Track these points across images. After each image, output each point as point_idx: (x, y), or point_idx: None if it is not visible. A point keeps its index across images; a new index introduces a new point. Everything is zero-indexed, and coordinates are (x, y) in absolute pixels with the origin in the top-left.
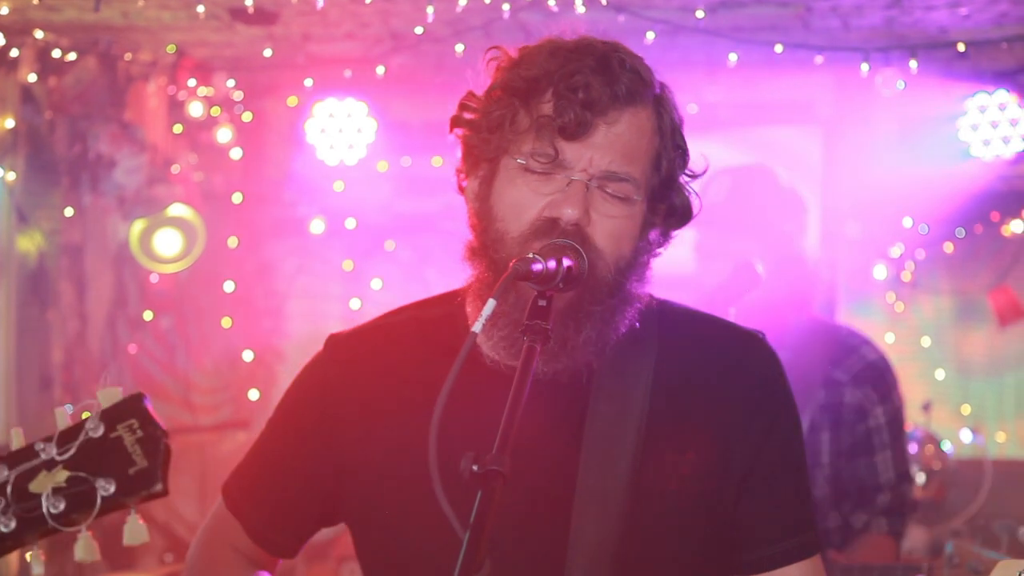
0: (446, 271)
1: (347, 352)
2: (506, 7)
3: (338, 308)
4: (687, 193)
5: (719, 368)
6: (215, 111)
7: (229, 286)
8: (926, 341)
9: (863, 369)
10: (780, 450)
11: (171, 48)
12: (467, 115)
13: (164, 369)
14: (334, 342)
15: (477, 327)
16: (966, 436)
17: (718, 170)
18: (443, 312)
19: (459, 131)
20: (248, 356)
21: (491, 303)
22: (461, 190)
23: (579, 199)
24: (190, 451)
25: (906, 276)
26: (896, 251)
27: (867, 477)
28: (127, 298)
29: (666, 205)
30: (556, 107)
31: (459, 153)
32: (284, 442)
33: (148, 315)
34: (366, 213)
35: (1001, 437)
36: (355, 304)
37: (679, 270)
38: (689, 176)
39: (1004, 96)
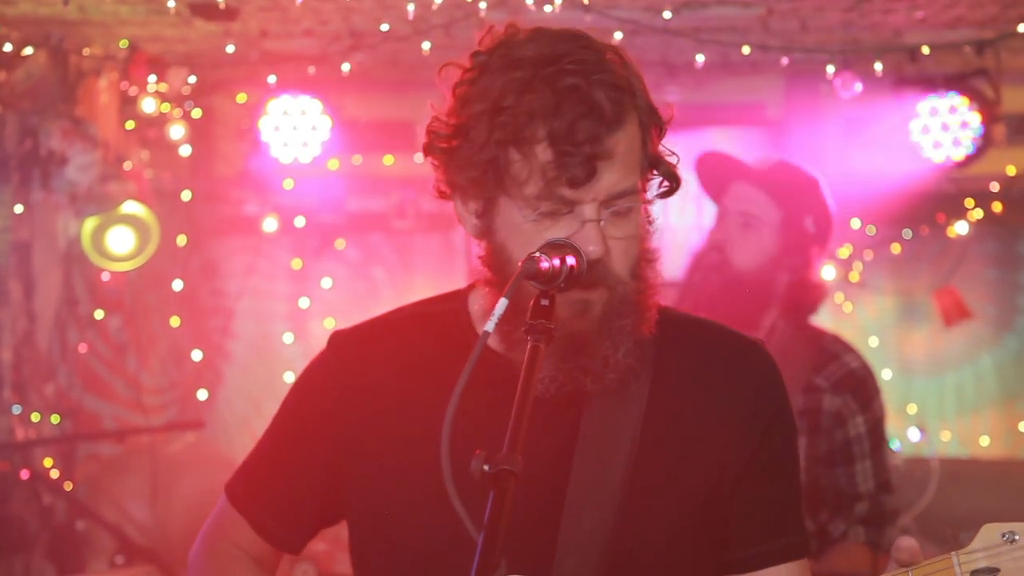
0: (393, 270)
1: (351, 349)
2: (483, 4)
3: (286, 307)
4: (670, 162)
5: (717, 375)
6: (165, 107)
7: (178, 285)
8: (873, 341)
9: (844, 376)
10: (774, 455)
11: (124, 43)
12: (442, 144)
13: (112, 369)
14: (337, 340)
15: (490, 326)
16: (914, 435)
17: None
18: (448, 308)
19: (435, 158)
20: (197, 356)
21: (503, 302)
22: (441, 195)
23: (597, 236)
24: (140, 452)
25: (854, 277)
26: (844, 252)
27: (846, 486)
28: (77, 297)
29: (656, 178)
30: (560, 162)
31: (435, 170)
32: (289, 440)
33: (99, 314)
34: (316, 211)
35: (946, 436)
36: (304, 303)
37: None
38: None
39: (955, 99)
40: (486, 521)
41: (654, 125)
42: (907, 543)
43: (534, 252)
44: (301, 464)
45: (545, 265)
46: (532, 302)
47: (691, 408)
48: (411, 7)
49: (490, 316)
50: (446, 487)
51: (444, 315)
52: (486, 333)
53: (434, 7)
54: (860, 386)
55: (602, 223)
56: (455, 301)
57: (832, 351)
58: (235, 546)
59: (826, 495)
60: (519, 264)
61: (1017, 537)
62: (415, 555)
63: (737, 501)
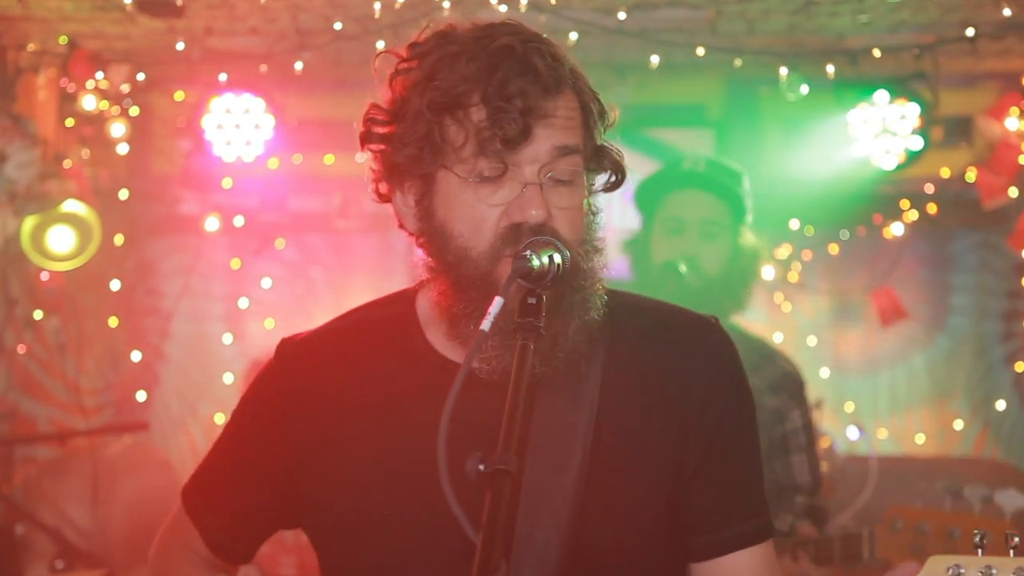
0: (331, 269)
1: (299, 358)
2: (446, 4)
3: (224, 307)
4: (615, 153)
5: (672, 355)
6: (104, 105)
7: (115, 285)
8: (812, 340)
9: (779, 377)
10: (734, 435)
11: (63, 39)
12: (380, 129)
13: (50, 371)
14: (285, 348)
15: (486, 325)
16: (852, 433)
17: None
18: (393, 312)
19: (372, 146)
20: (136, 356)
21: (499, 301)
22: (381, 198)
23: (539, 200)
24: (80, 455)
25: (793, 277)
26: (783, 252)
27: (784, 478)
28: (15, 297)
29: (601, 167)
30: (494, 120)
31: (374, 167)
32: (240, 450)
33: (38, 314)
34: (256, 211)
35: (882, 434)
36: (243, 303)
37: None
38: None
39: (894, 102)
40: (484, 522)
41: (596, 111)
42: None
43: (523, 251)
44: (252, 475)
45: (535, 263)
46: (519, 301)
47: (646, 391)
48: (377, 5)
49: (441, 317)
50: (405, 492)
51: (392, 319)
52: (483, 332)
53: (397, 5)
54: (796, 386)
55: (543, 188)
56: (402, 304)
57: (764, 353)
58: (191, 549)
59: (767, 491)
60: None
61: (963, 571)
62: (381, 561)
63: (699, 484)
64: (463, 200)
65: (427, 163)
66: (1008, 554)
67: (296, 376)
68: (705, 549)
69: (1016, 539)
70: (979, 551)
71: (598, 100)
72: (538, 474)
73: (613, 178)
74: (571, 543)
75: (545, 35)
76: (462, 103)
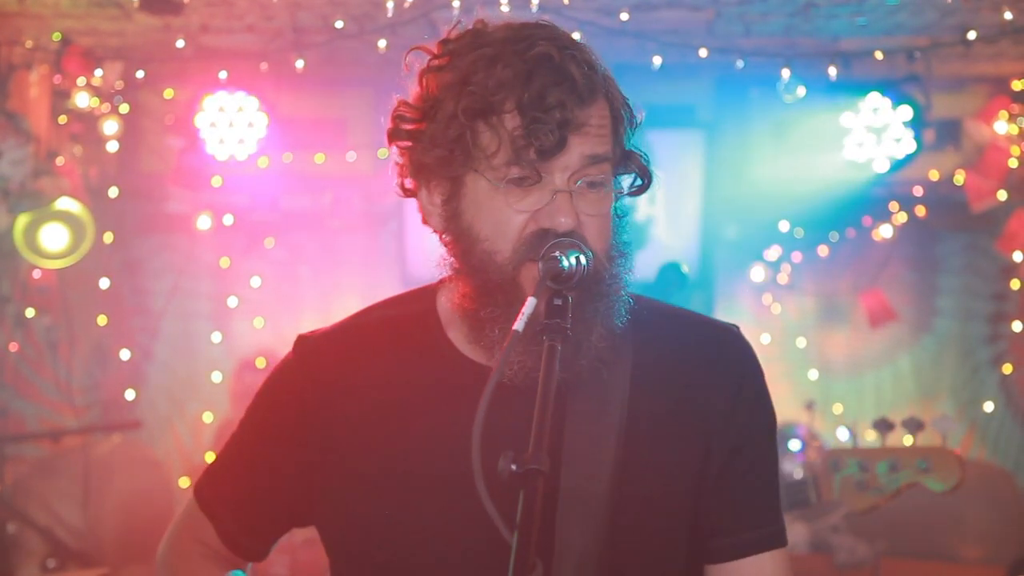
0: (319, 269)
1: (318, 354)
2: (456, 3)
3: (213, 306)
4: (643, 157)
5: (697, 363)
6: (95, 102)
7: (104, 283)
8: (801, 342)
9: None
10: (756, 442)
11: (56, 36)
12: (408, 127)
13: (40, 370)
14: (304, 344)
15: (519, 325)
16: (842, 435)
17: None
18: (414, 310)
19: (399, 143)
20: (125, 355)
21: (532, 301)
22: (406, 192)
23: (569, 208)
24: (71, 454)
25: (782, 278)
26: (773, 254)
27: None
28: (7, 295)
29: (629, 170)
30: (530, 130)
31: (400, 161)
32: (257, 445)
33: (30, 312)
34: (246, 210)
35: (870, 435)
36: (232, 302)
37: None
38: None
39: (884, 104)
40: (519, 521)
41: (627, 116)
42: None
43: (552, 252)
44: (269, 471)
45: (564, 264)
46: (545, 302)
47: (673, 396)
48: (390, 4)
49: (464, 319)
50: (424, 492)
51: (412, 317)
52: (516, 332)
53: (406, 4)
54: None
55: (573, 195)
56: (423, 301)
57: None
58: (202, 543)
59: None
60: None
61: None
62: (398, 561)
63: (721, 489)
64: (492, 204)
65: (457, 166)
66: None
67: (315, 372)
68: (723, 551)
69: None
70: None
71: (628, 105)
72: (573, 481)
73: (640, 181)
74: (609, 550)
75: (578, 37)
76: (497, 109)
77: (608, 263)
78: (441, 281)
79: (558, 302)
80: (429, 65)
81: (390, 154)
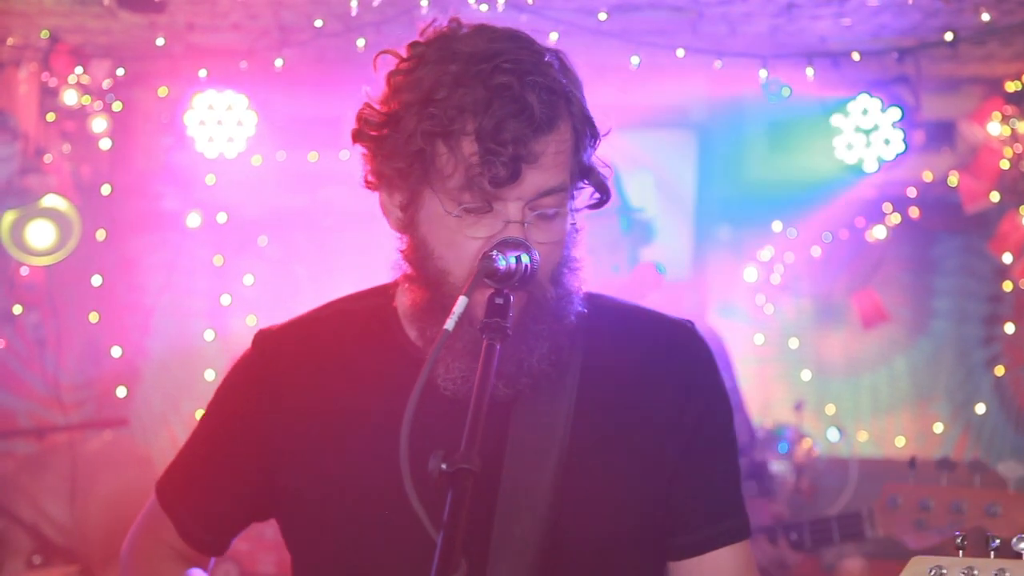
0: (315, 268)
1: (275, 348)
2: (424, 3)
3: (206, 304)
4: (601, 173)
5: (649, 356)
6: (86, 100)
7: (96, 280)
8: (794, 343)
9: None
10: (711, 436)
11: (44, 33)
12: (371, 131)
13: (29, 366)
14: (263, 338)
15: (450, 324)
16: (833, 435)
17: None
18: (372, 305)
19: (363, 146)
20: (116, 352)
21: (463, 300)
22: (369, 185)
23: (519, 236)
24: (59, 450)
25: (775, 279)
26: (766, 254)
27: None
28: None
29: (587, 187)
30: (485, 160)
31: (364, 160)
32: (214, 440)
33: (18, 309)
34: (239, 208)
35: (862, 436)
36: (225, 300)
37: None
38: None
39: (875, 105)
40: (445, 520)
41: (588, 133)
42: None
43: (490, 251)
44: (226, 466)
45: (501, 264)
46: (486, 301)
47: (622, 396)
48: (354, 3)
49: (415, 320)
50: (378, 488)
51: (370, 312)
52: (446, 332)
53: (375, 4)
54: (718, 347)
55: (526, 225)
56: (381, 297)
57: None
58: (165, 544)
59: None
60: (476, 262)
61: (945, 571)
62: (350, 555)
63: (678, 487)
64: (446, 225)
65: (415, 180)
66: (989, 555)
67: (272, 366)
68: (683, 548)
69: (997, 541)
70: (960, 552)
71: (591, 122)
72: (517, 473)
73: (598, 197)
74: (548, 540)
75: (548, 51)
76: (456, 132)
77: (554, 284)
78: (400, 279)
79: (499, 301)
80: (397, 67)
81: (351, 155)
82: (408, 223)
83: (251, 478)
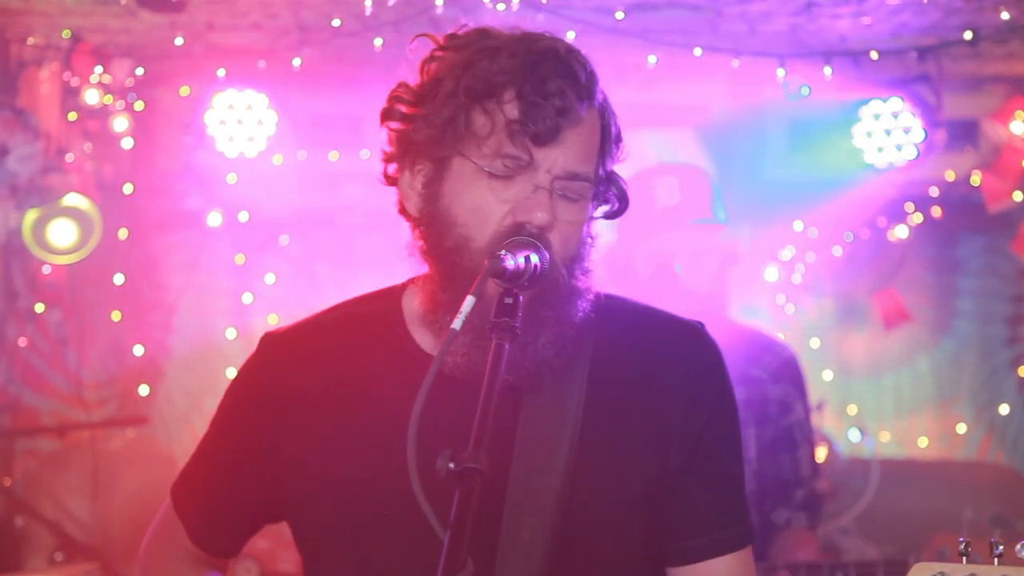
0: (336, 267)
1: (282, 351)
2: (440, 2)
3: (228, 303)
4: (622, 182)
5: (658, 358)
6: (108, 99)
7: (119, 279)
8: (815, 343)
9: (780, 366)
10: (717, 441)
11: (66, 33)
12: (403, 108)
13: (52, 364)
14: (269, 341)
15: (457, 324)
16: (855, 436)
17: (653, 168)
18: (379, 308)
19: (392, 124)
20: (139, 351)
21: (470, 300)
22: (388, 180)
23: (547, 204)
24: (81, 448)
25: (796, 278)
26: (787, 254)
27: (789, 473)
28: (17, 290)
29: (607, 197)
30: (527, 113)
31: (386, 144)
32: (221, 444)
33: (40, 307)
34: (260, 207)
35: (885, 437)
36: (247, 299)
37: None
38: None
39: (898, 104)
40: (452, 519)
41: (614, 137)
42: None
43: (499, 251)
44: (233, 470)
45: (510, 264)
46: (496, 300)
47: (631, 397)
48: (368, 3)
49: (425, 302)
50: (385, 488)
51: (376, 315)
52: (453, 331)
53: (390, 3)
54: (796, 373)
55: (552, 195)
56: (388, 300)
57: (761, 342)
58: (180, 546)
59: (770, 484)
60: (484, 263)
61: None
62: (359, 557)
63: (681, 490)
64: (474, 190)
65: (446, 147)
66: (993, 562)
67: (278, 370)
68: (684, 554)
69: (1001, 547)
70: (963, 559)
71: (618, 127)
72: (524, 473)
73: (615, 207)
74: (556, 542)
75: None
76: (496, 93)
77: (568, 272)
78: (407, 282)
79: (508, 300)
80: (433, 55)
81: (371, 154)
82: (430, 197)
83: (258, 482)
